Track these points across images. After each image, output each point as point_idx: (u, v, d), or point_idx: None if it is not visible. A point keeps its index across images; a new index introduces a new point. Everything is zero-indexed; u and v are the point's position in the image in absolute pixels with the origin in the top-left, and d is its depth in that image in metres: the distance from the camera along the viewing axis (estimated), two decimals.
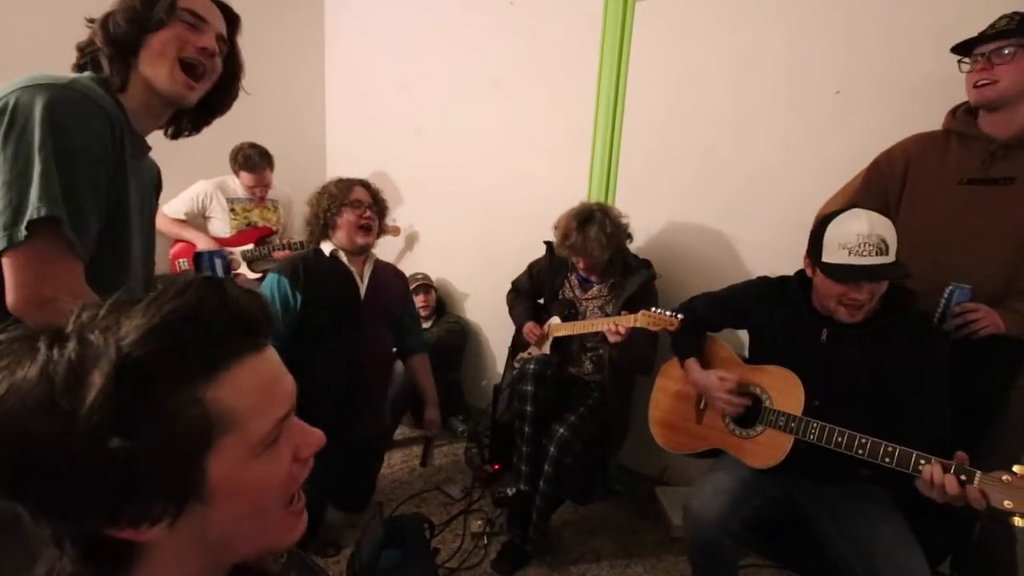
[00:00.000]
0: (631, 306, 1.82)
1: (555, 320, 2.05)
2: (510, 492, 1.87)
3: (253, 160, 2.48)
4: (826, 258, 1.24)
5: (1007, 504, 0.96)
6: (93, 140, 0.83)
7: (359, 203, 1.75)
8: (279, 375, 0.46)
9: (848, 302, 1.22)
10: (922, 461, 1.07)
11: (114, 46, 0.90)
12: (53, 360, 0.36)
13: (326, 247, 1.78)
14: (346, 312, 1.73)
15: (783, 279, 1.46)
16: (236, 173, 2.54)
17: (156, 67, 0.92)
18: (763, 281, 1.50)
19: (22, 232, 0.77)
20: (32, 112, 0.78)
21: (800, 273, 1.40)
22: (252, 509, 0.43)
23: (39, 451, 0.36)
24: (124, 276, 0.97)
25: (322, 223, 1.75)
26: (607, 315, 1.92)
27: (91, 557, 0.40)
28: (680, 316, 1.59)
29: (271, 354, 0.46)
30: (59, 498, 0.37)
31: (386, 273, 1.93)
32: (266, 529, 0.45)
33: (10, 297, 0.79)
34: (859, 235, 1.18)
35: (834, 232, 1.23)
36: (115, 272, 0.94)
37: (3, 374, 0.36)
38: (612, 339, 1.74)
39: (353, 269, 1.78)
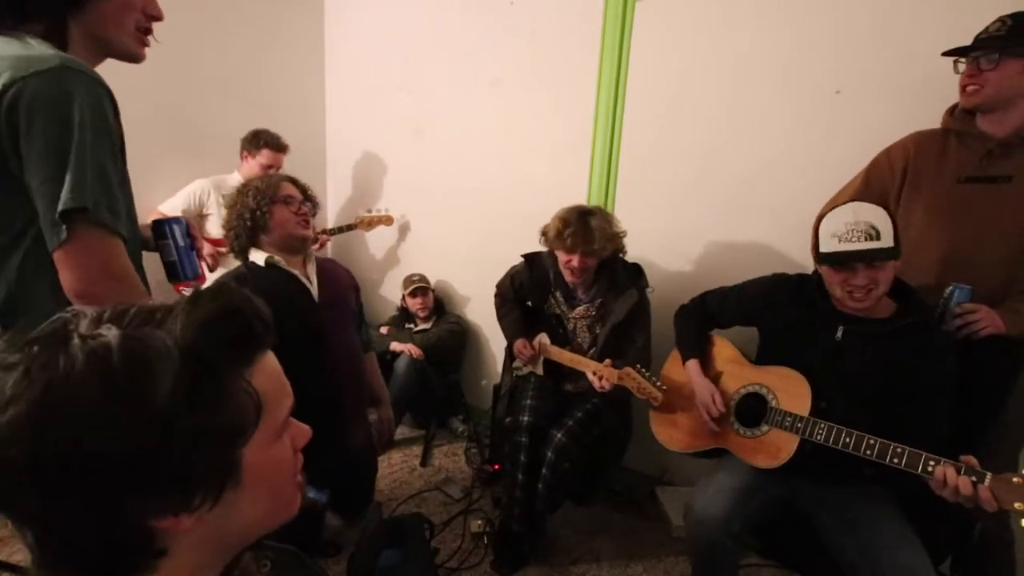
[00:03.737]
0: (619, 333, 1.79)
1: (545, 339, 1.97)
2: (507, 527, 1.82)
3: (279, 141, 2.52)
4: (821, 249, 1.29)
5: (1017, 505, 0.97)
6: (108, 120, 0.85)
7: (291, 199, 1.56)
8: (281, 369, 0.50)
9: (849, 288, 1.25)
10: (931, 462, 1.07)
11: (55, 4, 0.85)
12: (101, 353, 0.37)
13: (257, 256, 1.54)
14: (304, 321, 1.54)
15: (802, 276, 1.47)
16: (251, 153, 2.51)
17: (112, 31, 0.90)
18: (780, 278, 1.50)
19: (64, 228, 0.78)
20: (55, 103, 0.77)
21: (816, 272, 1.42)
22: (271, 491, 0.47)
23: (99, 443, 0.36)
24: (137, 251, 0.99)
25: (250, 225, 1.51)
26: (595, 336, 1.87)
27: (122, 555, 0.41)
28: (665, 388, 1.60)
29: (272, 353, 0.50)
30: (113, 489, 0.37)
31: (332, 268, 1.74)
32: (277, 506, 0.49)
33: (78, 281, 0.81)
34: (846, 223, 1.24)
35: (826, 225, 1.29)
36: (135, 251, 0.95)
37: (28, 374, 0.36)
38: (597, 388, 1.72)
39: (296, 272, 1.56)
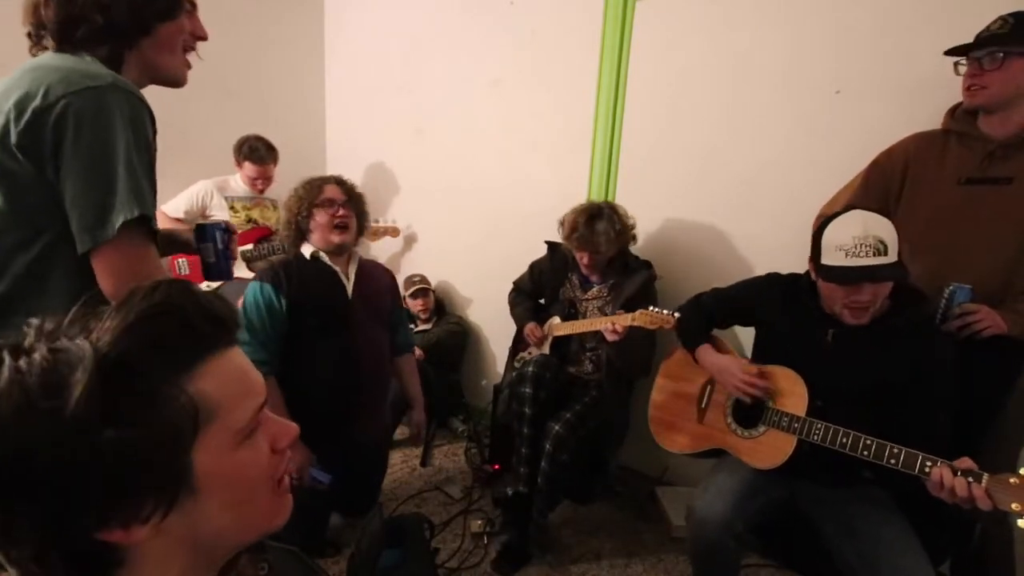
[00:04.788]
0: (630, 306, 1.82)
1: (555, 320, 2.06)
2: (509, 492, 1.87)
3: (259, 152, 2.50)
4: (824, 261, 1.23)
5: (1014, 506, 0.96)
6: (149, 137, 0.88)
7: (331, 202, 1.65)
8: (249, 368, 0.48)
9: (851, 304, 1.21)
10: (928, 463, 1.07)
11: (115, 30, 0.89)
12: (22, 369, 0.37)
13: (306, 250, 1.70)
14: (335, 313, 1.66)
15: (794, 277, 1.44)
16: (239, 164, 2.54)
17: (166, 56, 0.95)
18: (773, 278, 1.49)
19: (111, 230, 0.82)
20: (103, 116, 0.81)
21: (807, 275, 1.40)
22: (240, 498, 0.45)
23: (22, 455, 0.35)
24: None
25: (295, 228, 1.68)
26: (606, 315, 1.92)
27: (78, 567, 0.40)
28: (677, 315, 1.59)
29: (240, 352, 0.47)
30: (50, 501, 0.37)
31: (373, 270, 1.86)
32: (256, 515, 0.47)
33: (115, 287, 0.85)
34: (855, 237, 1.16)
35: (831, 235, 1.22)
36: None
37: None
38: (610, 338, 1.76)
39: (337, 269, 1.70)
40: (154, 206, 0.91)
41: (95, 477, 0.36)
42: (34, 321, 0.42)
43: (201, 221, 1.19)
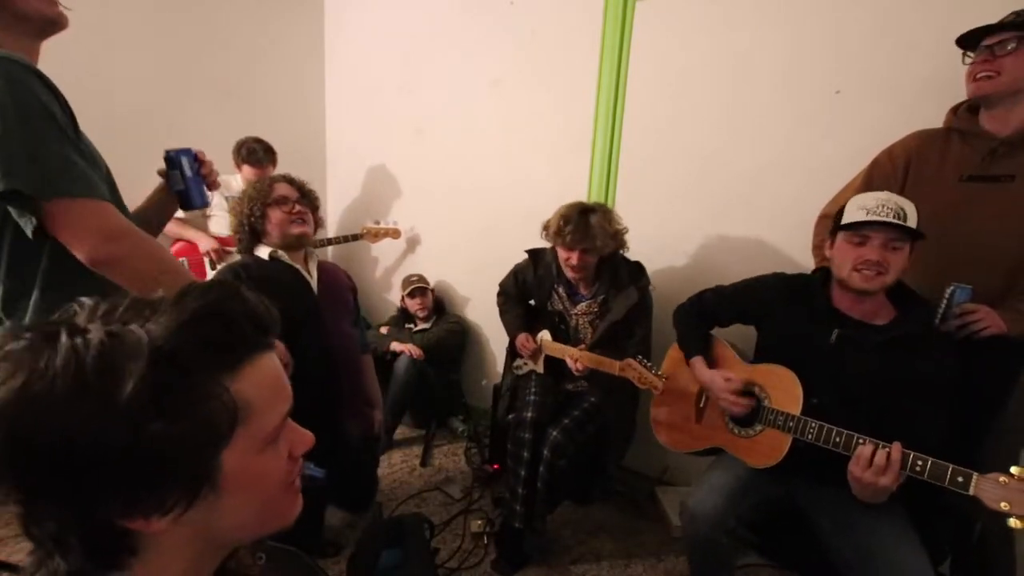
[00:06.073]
0: (615, 331, 1.80)
1: (546, 335, 1.99)
2: (506, 503, 1.83)
3: (257, 154, 2.50)
4: (845, 220, 1.27)
5: (1003, 506, 0.97)
6: (36, 97, 0.83)
7: (284, 199, 1.61)
8: (282, 374, 0.49)
9: (860, 265, 1.23)
10: (919, 462, 1.08)
11: None
12: (80, 350, 0.37)
13: (262, 252, 1.64)
14: (303, 312, 1.61)
15: (801, 276, 1.45)
16: (238, 167, 2.54)
17: None
18: (779, 277, 1.49)
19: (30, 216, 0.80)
20: None
21: (820, 271, 1.41)
22: (258, 498, 0.46)
23: (67, 434, 0.36)
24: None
25: (248, 230, 1.62)
26: (596, 334, 1.86)
27: (95, 551, 0.41)
28: (666, 378, 1.60)
29: (274, 357, 0.48)
30: (81, 484, 0.37)
31: (330, 269, 1.82)
32: (270, 514, 0.48)
33: (82, 255, 0.84)
34: (878, 199, 1.23)
35: (854, 202, 1.27)
36: None
37: (19, 362, 0.37)
38: (574, 371, 1.77)
39: (297, 266, 1.65)
40: (80, 160, 0.86)
41: (130, 466, 0.37)
42: (87, 301, 0.42)
43: (167, 150, 1.16)
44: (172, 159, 1.15)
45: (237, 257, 1.83)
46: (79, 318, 0.41)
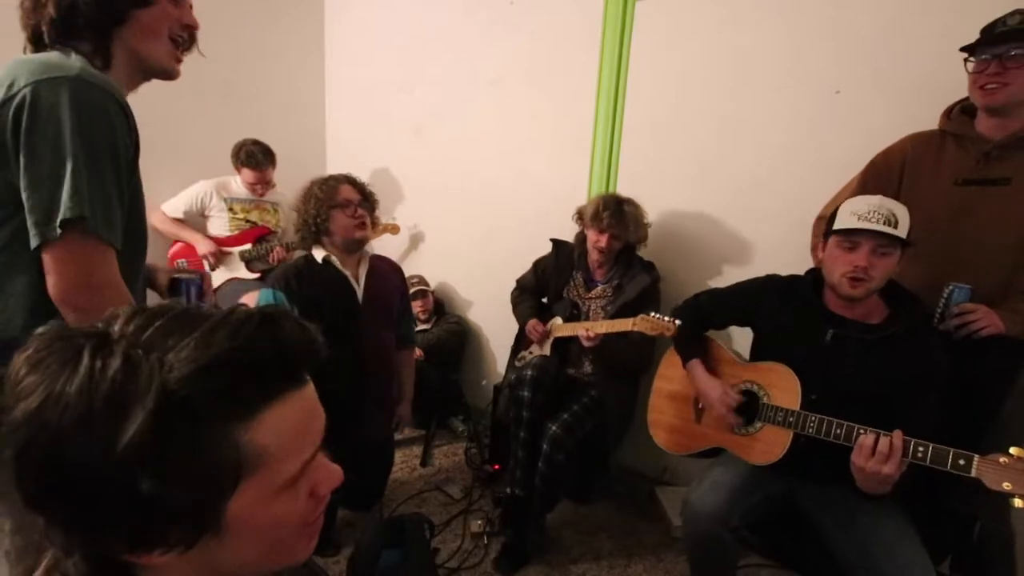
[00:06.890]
0: (627, 311, 1.83)
1: (557, 320, 2.06)
2: (508, 491, 1.86)
3: (256, 157, 2.49)
4: (837, 226, 1.27)
5: (1006, 486, 0.97)
6: (116, 133, 0.85)
7: (348, 203, 1.67)
8: (314, 411, 0.45)
9: (849, 272, 1.24)
10: (920, 448, 1.08)
11: (96, 19, 0.87)
12: (95, 378, 0.36)
13: (318, 253, 1.71)
14: (344, 319, 1.67)
15: (794, 277, 1.46)
16: (237, 169, 2.54)
17: (150, 43, 0.92)
18: (772, 278, 1.50)
19: (56, 230, 0.79)
20: (57, 108, 0.79)
21: (813, 272, 1.41)
22: (267, 541, 0.43)
23: (70, 469, 0.36)
24: (140, 264, 1.00)
25: (314, 230, 1.68)
26: (608, 315, 1.93)
27: (97, 571, 0.41)
28: (678, 322, 1.60)
29: (310, 389, 0.45)
30: (80, 518, 0.37)
31: (381, 269, 1.86)
32: (279, 555, 0.46)
33: (56, 286, 0.82)
34: (870, 204, 1.23)
35: (848, 205, 1.27)
36: (134, 260, 0.96)
37: (43, 378, 0.36)
38: (585, 344, 1.84)
39: (347, 273, 1.72)
40: (119, 204, 0.86)
41: (126, 510, 0.37)
42: (126, 310, 0.40)
43: (177, 274, 1.17)
44: (178, 287, 1.16)
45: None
46: (114, 327, 0.40)
